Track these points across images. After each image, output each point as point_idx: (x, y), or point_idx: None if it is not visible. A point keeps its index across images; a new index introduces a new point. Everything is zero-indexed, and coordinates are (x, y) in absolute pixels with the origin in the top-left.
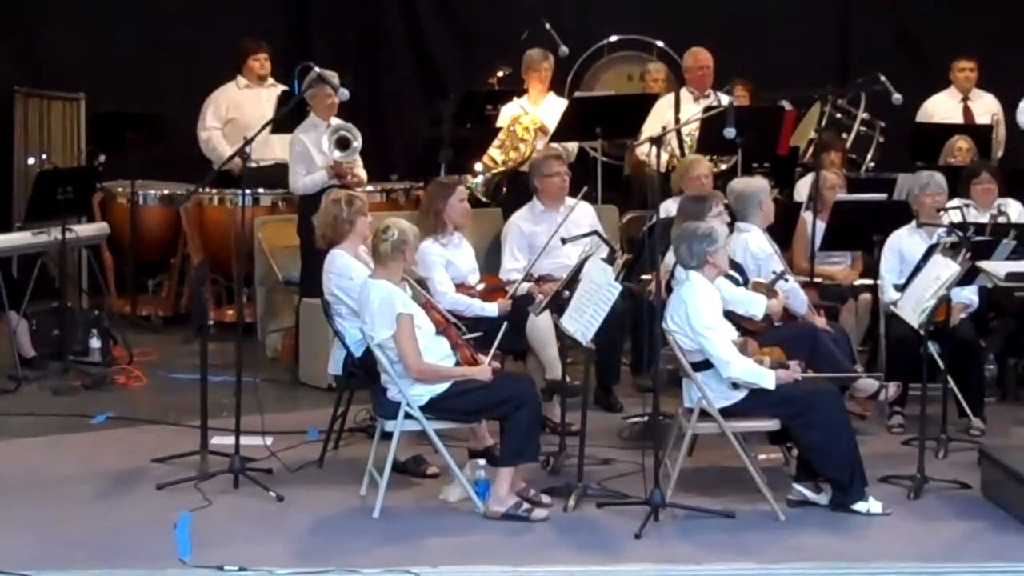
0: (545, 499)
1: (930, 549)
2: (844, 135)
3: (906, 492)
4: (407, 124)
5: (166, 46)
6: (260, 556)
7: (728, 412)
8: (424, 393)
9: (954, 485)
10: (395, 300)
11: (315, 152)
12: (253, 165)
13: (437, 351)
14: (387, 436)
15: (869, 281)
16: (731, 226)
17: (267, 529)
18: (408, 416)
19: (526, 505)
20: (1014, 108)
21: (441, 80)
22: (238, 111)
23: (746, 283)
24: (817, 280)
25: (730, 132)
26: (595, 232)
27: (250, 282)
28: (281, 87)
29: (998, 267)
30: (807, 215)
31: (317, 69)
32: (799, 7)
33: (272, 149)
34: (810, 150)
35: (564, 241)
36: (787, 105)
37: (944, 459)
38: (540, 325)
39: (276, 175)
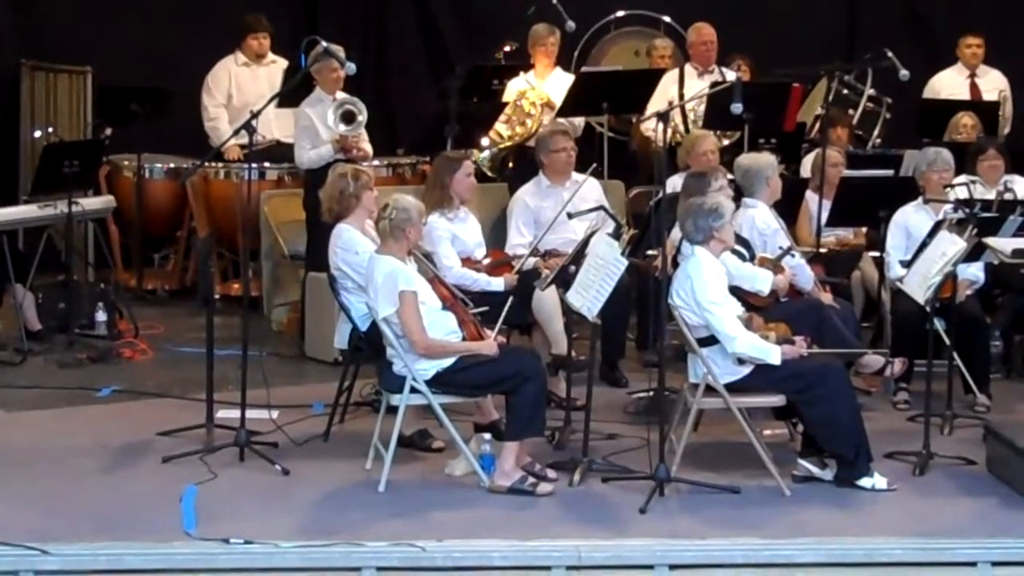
0: (550, 474)
1: (935, 525)
2: (851, 111)
3: (911, 468)
4: (414, 98)
5: (174, 20)
6: (265, 529)
7: (733, 387)
8: (430, 367)
9: (959, 461)
10: (399, 277)
11: (321, 126)
12: (260, 139)
13: (443, 326)
14: (393, 410)
15: (876, 253)
16: (737, 201)
17: (272, 502)
18: (414, 390)
19: (531, 479)
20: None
21: (448, 55)
22: (236, 89)
23: (752, 259)
24: (823, 250)
25: (737, 107)
26: (601, 207)
27: (256, 256)
28: (282, 63)
29: (1004, 244)
30: (809, 192)
31: (324, 43)
32: None
33: (270, 128)
34: (816, 126)
35: (571, 216)
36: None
37: (949, 435)
38: (546, 300)
39: (273, 155)
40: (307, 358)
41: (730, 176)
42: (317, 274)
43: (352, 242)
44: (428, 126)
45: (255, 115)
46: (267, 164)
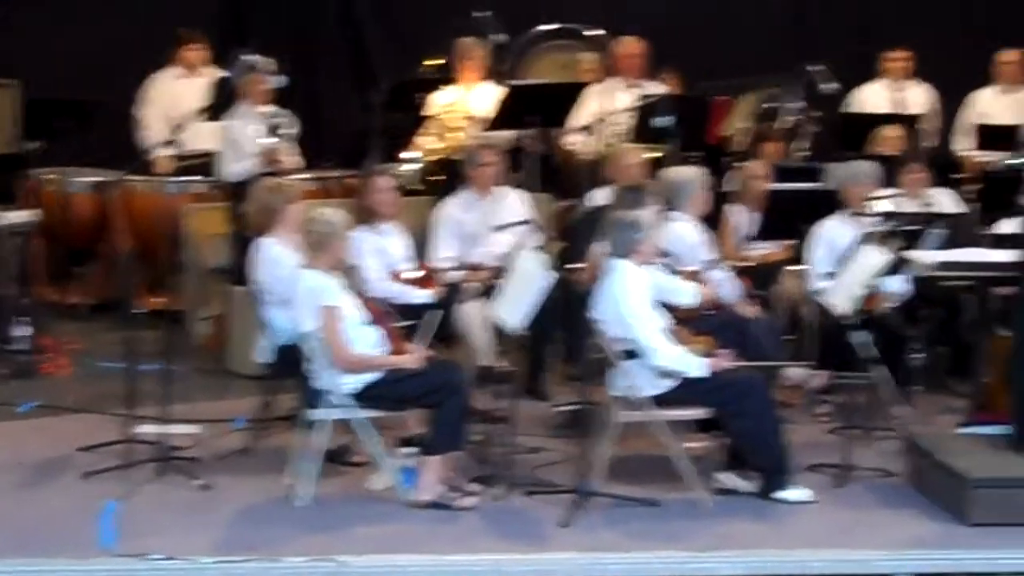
0: (473, 488)
1: (855, 537)
2: (778, 125)
3: (832, 480)
4: (340, 112)
5: (104, 33)
6: (185, 545)
7: (657, 400)
8: (352, 382)
9: (880, 473)
10: (322, 291)
11: (245, 139)
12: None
13: (367, 341)
14: (314, 425)
15: (799, 266)
16: (663, 215)
17: (193, 518)
18: (336, 405)
19: (453, 494)
20: (949, 98)
21: (374, 69)
22: (172, 101)
23: (677, 272)
24: (746, 264)
25: (662, 121)
26: (527, 220)
27: (179, 270)
28: (217, 74)
29: (927, 256)
30: (733, 206)
31: (250, 56)
32: None
33: (203, 138)
34: (742, 140)
35: (496, 229)
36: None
37: (870, 447)
38: (471, 313)
39: (206, 164)
40: (230, 372)
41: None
42: (240, 288)
43: (276, 256)
44: (354, 140)
45: (180, 129)
46: (192, 177)
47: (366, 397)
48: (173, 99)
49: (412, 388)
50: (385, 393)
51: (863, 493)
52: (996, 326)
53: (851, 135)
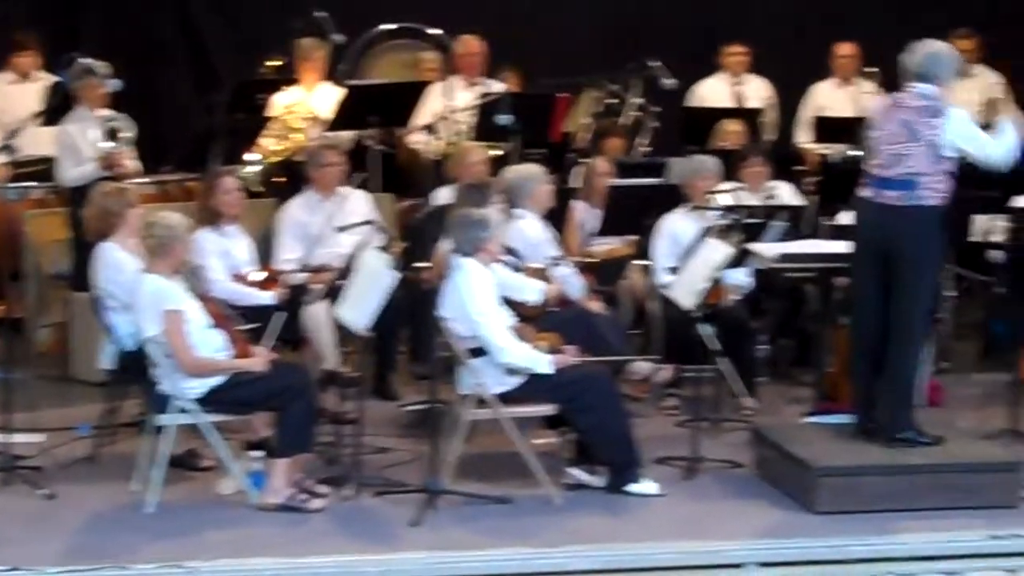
0: (322, 489)
1: (704, 528)
2: (620, 121)
3: (681, 473)
4: (180, 115)
5: None
6: (31, 555)
7: (505, 398)
8: (198, 386)
9: (727, 465)
10: (163, 296)
11: (83, 144)
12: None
13: (212, 344)
14: (160, 430)
15: (644, 261)
16: (507, 213)
17: (38, 528)
18: (182, 410)
19: (303, 496)
20: (788, 91)
21: (214, 70)
22: (6, 107)
23: (522, 269)
24: (591, 260)
25: (503, 119)
26: (370, 221)
27: (19, 276)
28: (52, 79)
29: (769, 249)
30: (577, 202)
31: (84, 59)
32: None
33: (40, 144)
34: (584, 136)
35: (340, 230)
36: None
37: (718, 439)
38: (316, 315)
39: (44, 170)
40: (73, 379)
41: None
42: (82, 294)
43: (116, 262)
44: (195, 142)
45: (15, 134)
46: (30, 183)
47: (211, 401)
48: (6, 105)
49: (257, 391)
50: (230, 397)
51: (711, 484)
52: (838, 316)
53: (692, 130)
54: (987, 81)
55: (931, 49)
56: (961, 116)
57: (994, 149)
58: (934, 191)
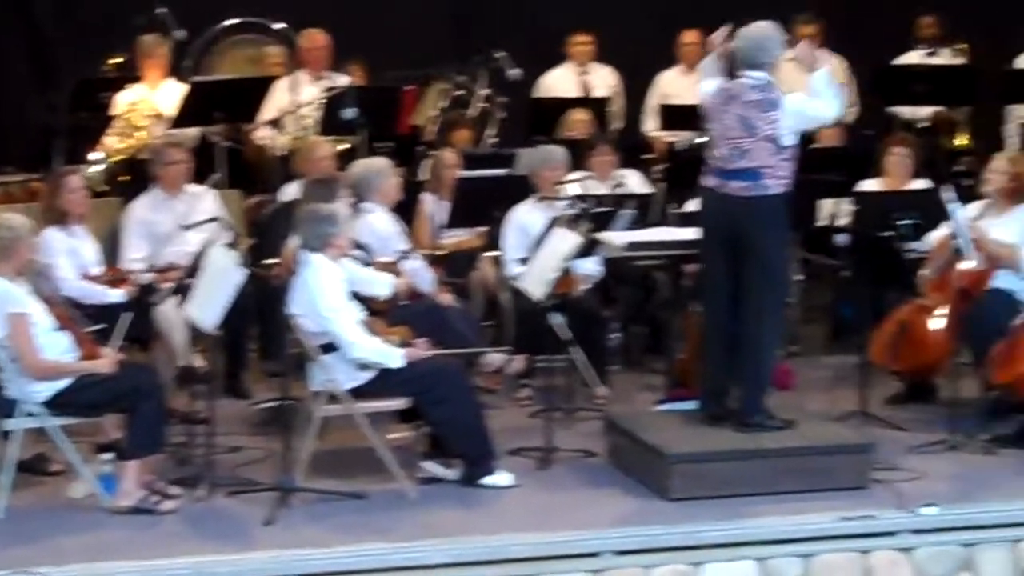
0: (174, 490)
1: (560, 518)
2: (466, 112)
3: (535, 463)
4: (21, 113)
5: None
6: None
7: (357, 393)
8: (45, 389)
9: (581, 454)
10: (7, 299)
11: None
12: None
13: (58, 346)
14: (8, 435)
15: (494, 252)
16: (355, 207)
17: None
18: (29, 414)
19: (155, 497)
20: (635, 80)
21: (55, 67)
22: None
23: (371, 264)
24: (441, 252)
25: (348, 113)
26: (217, 218)
27: None
28: None
29: (618, 237)
30: (426, 195)
31: None
32: None
33: None
34: (432, 128)
35: (186, 228)
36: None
37: (571, 429)
38: (166, 314)
39: None
40: None
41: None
42: None
43: None
44: (36, 141)
45: None
46: None
47: (59, 404)
48: None
49: (105, 393)
50: (78, 399)
51: (566, 474)
52: (689, 303)
53: (540, 120)
54: (830, 66)
55: (758, 34)
56: (793, 102)
57: (825, 111)
58: (778, 179)
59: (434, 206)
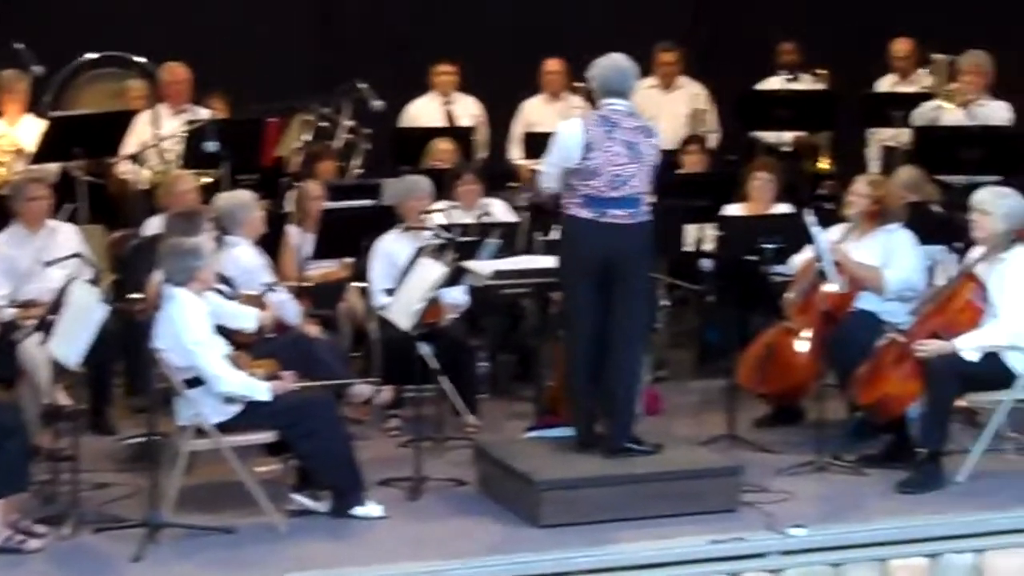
0: (39, 529)
1: (430, 548)
2: (331, 143)
3: (406, 493)
4: None
5: None
6: None
7: (224, 427)
8: None
9: (451, 483)
10: None
11: None
12: None
13: None
14: None
15: (361, 283)
16: (219, 240)
17: None
18: None
19: (19, 537)
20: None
21: None
22: None
23: (236, 297)
24: (307, 284)
25: (210, 145)
26: (79, 254)
27: None
28: None
29: (484, 266)
30: (292, 227)
31: None
32: (277, 17)
33: None
34: (296, 160)
35: (48, 264)
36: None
37: (442, 458)
38: (29, 351)
39: None
40: None
41: (212, 214)
42: None
43: None
44: None
45: None
46: None
47: None
48: None
49: None
50: None
51: (436, 504)
52: (557, 331)
53: (405, 150)
54: (691, 92)
55: (618, 64)
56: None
57: None
58: (648, 206)
59: (299, 238)
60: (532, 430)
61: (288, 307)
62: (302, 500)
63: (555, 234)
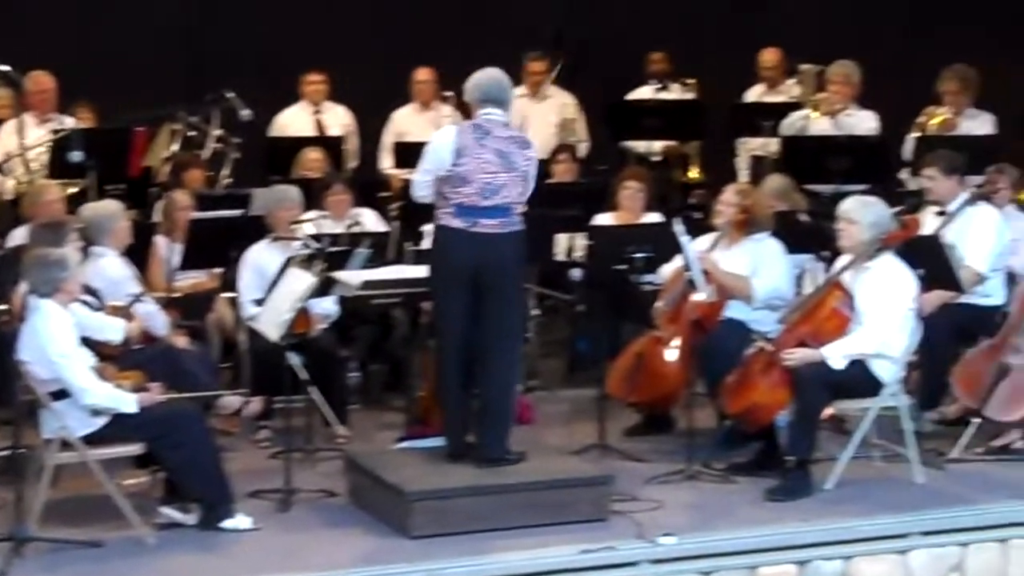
0: None
1: (301, 559)
2: (200, 152)
3: (276, 505)
4: None
5: None
6: None
7: (90, 439)
8: None
9: (322, 494)
10: None
11: None
12: None
13: None
14: None
15: (230, 294)
16: (85, 251)
17: None
18: None
19: None
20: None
21: None
22: None
23: (103, 308)
24: (175, 295)
25: (75, 155)
26: None
27: None
28: None
29: (354, 276)
30: (159, 238)
31: None
32: (145, 25)
33: None
34: (165, 169)
35: None
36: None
37: (312, 469)
38: None
39: None
40: None
41: (78, 225)
42: None
43: None
44: None
45: None
46: None
47: None
48: None
49: None
50: None
51: (307, 515)
52: (427, 340)
53: (275, 160)
54: (561, 102)
55: (494, 75)
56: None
57: None
58: (520, 216)
59: (167, 248)
60: (403, 440)
61: (156, 318)
62: (170, 513)
63: (426, 244)
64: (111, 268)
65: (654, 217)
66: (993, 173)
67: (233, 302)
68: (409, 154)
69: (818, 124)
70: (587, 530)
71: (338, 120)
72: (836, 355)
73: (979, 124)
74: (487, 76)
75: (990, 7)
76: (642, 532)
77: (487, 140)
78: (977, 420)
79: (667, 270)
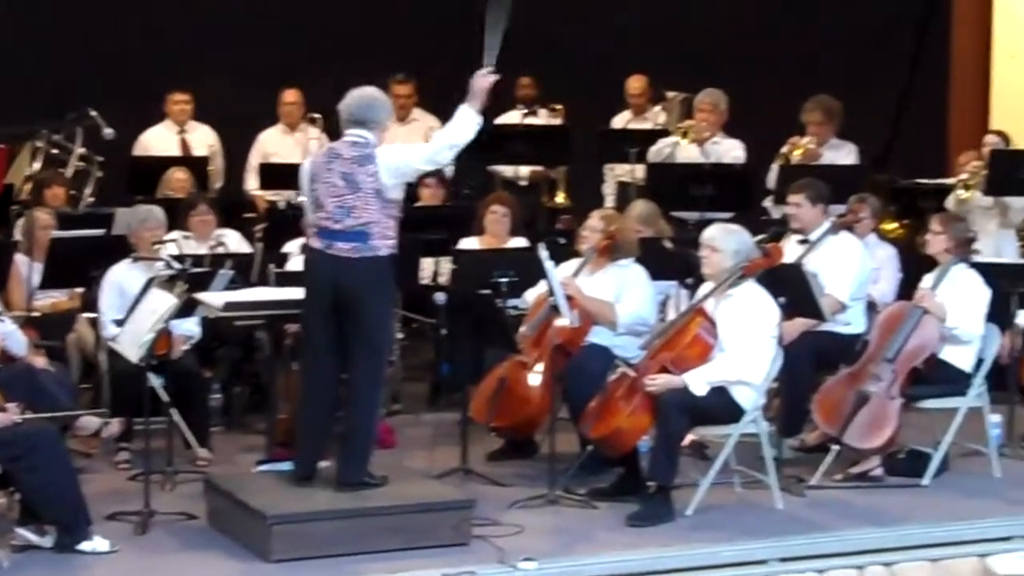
0: None
1: None
2: (63, 170)
3: (134, 527)
4: None
5: None
6: None
7: None
8: None
9: (181, 517)
10: None
11: None
12: None
13: None
14: None
15: (91, 314)
16: None
17: None
18: None
19: None
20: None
21: None
22: None
23: None
24: (35, 315)
25: None
26: None
27: None
28: None
29: (217, 297)
30: (20, 256)
31: None
32: (5, 41)
33: None
34: (26, 188)
35: None
36: None
37: (171, 492)
38: None
39: None
40: None
41: None
42: None
43: None
44: None
45: None
46: None
47: None
48: None
49: None
50: None
51: (166, 538)
52: (290, 362)
53: (139, 179)
54: (426, 125)
55: (364, 94)
56: (387, 152)
57: (445, 139)
58: (386, 240)
59: (27, 267)
60: (263, 463)
61: (14, 338)
62: (26, 535)
63: (289, 266)
64: None
65: (519, 242)
66: (856, 203)
67: (94, 322)
68: (274, 175)
69: (686, 151)
70: (448, 554)
71: (203, 140)
72: (698, 381)
73: (843, 154)
74: (356, 96)
75: (852, 39)
76: (503, 557)
77: (334, 164)
78: (836, 447)
79: (531, 295)
